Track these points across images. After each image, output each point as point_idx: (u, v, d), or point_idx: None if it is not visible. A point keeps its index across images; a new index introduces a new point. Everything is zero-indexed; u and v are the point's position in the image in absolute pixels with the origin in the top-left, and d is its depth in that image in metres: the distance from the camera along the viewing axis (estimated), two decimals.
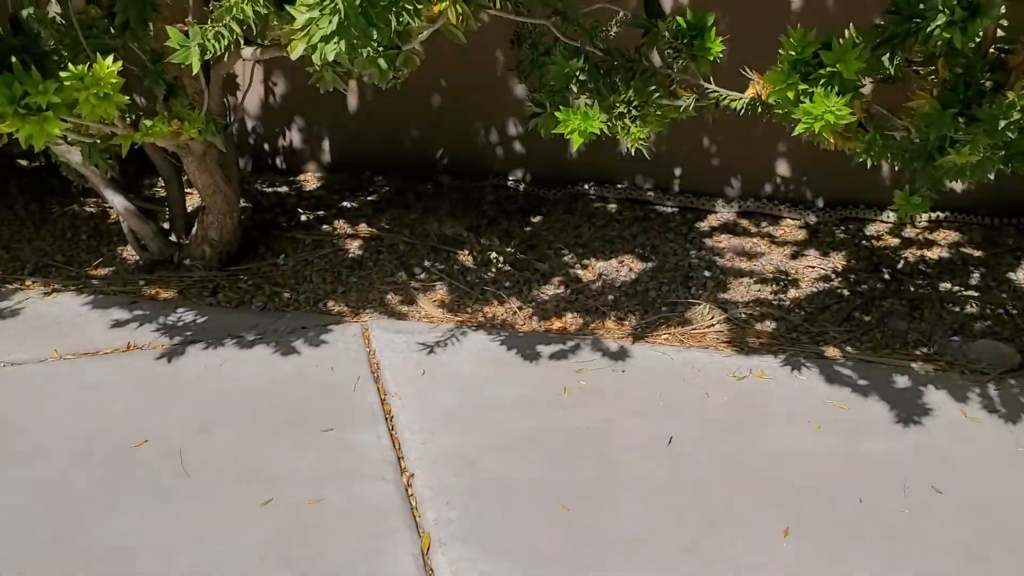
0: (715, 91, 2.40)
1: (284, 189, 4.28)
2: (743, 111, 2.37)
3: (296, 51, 1.90)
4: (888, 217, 4.17)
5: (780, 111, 2.13)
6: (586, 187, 4.23)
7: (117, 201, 3.45)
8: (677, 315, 3.41)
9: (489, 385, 2.95)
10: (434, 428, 2.74)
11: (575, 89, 2.26)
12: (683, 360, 3.11)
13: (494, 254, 3.65)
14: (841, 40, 1.88)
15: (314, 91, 4.39)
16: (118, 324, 3.24)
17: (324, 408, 2.82)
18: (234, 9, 1.77)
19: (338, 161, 4.41)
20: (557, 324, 3.35)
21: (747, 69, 2.35)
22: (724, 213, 4.18)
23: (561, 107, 2.16)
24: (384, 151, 4.35)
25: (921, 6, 1.88)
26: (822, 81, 1.90)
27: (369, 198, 4.19)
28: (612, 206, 4.19)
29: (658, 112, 2.32)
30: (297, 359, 3.06)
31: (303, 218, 3.98)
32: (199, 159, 3.13)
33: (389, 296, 3.47)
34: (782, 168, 4.19)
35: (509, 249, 3.69)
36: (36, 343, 3.10)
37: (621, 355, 3.13)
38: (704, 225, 4.09)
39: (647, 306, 3.47)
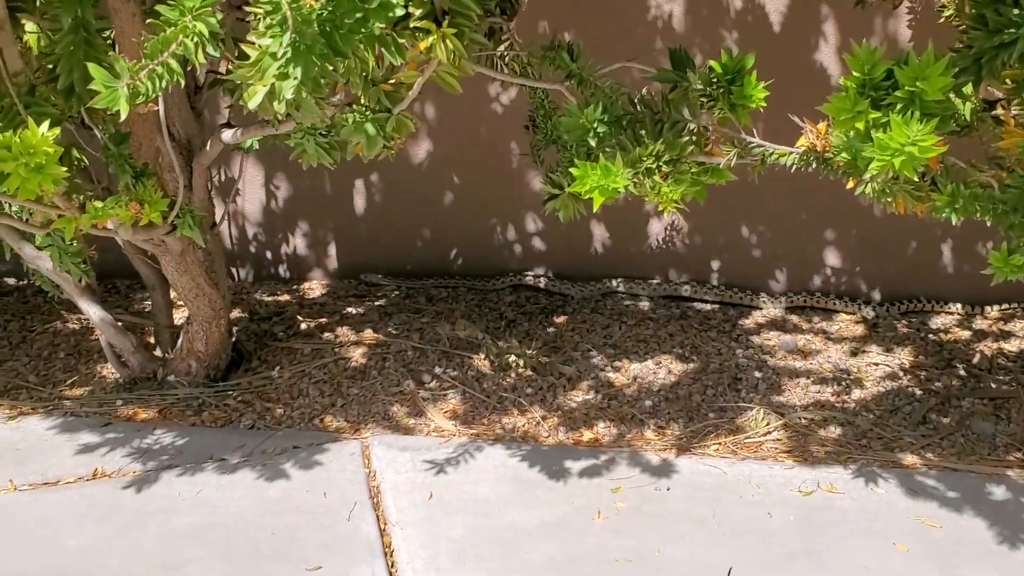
0: (759, 145, 2.02)
1: (285, 297, 3.94)
2: (795, 167, 1.98)
3: (254, 98, 1.56)
4: (955, 308, 3.73)
5: (843, 158, 1.74)
6: (614, 283, 3.83)
7: (93, 312, 3.11)
8: (727, 422, 2.96)
9: (508, 509, 2.49)
10: (441, 563, 2.27)
11: (593, 143, 1.90)
12: (737, 474, 2.63)
13: (513, 357, 3.24)
14: (919, 57, 1.50)
15: (319, 193, 4.18)
16: (86, 449, 2.84)
17: (313, 541, 2.37)
18: (172, 43, 1.44)
19: (346, 267, 4.08)
20: (588, 435, 2.90)
21: (797, 118, 1.98)
22: (771, 309, 3.75)
23: (577, 161, 1.78)
24: (394, 254, 4.01)
25: (1016, 12, 1.51)
26: (898, 107, 1.52)
27: (377, 303, 3.82)
28: (644, 303, 3.79)
29: (692, 170, 1.94)
30: (285, 483, 2.63)
31: (303, 326, 3.61)
32: (178, 258, 2.80)
33: (394, 408, 3.05)
34: (832, 258, 3.78)
35: (530, 352, 3.27)
36: None
37: (664, 470, 2.66)
38: (749, 322, 3.66)
39: (691, 412, 3.02)
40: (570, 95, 2.35)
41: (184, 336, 3.16)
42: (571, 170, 1.86)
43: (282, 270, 4.14)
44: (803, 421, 2.93)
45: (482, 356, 3.32)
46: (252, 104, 1.59)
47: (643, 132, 1.91)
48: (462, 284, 3.91)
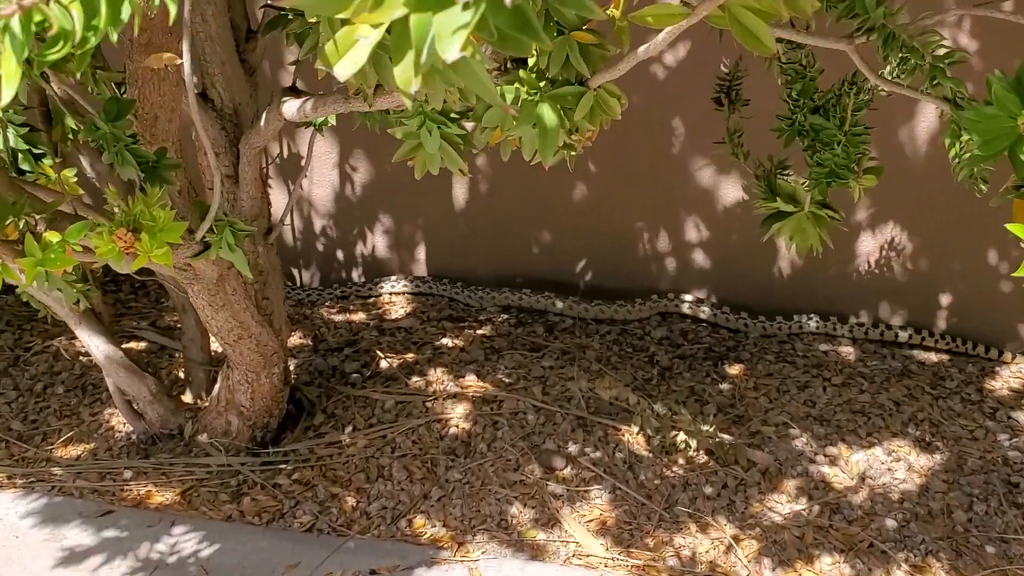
0: None
1: (359, 316, 3.00)
2: None
3: (348, 56, 0.59)
4: None
5: None
6: (805, 320, 2.81)
7: (95, 346, 2.21)
8: (1016, 560, 1.95)
9: None
10: None
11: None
12: None
13: (683, 436, 2.26)
14: None
15: (407, 179, 3.25)
16: (71, 557, 1.95)
17: None
18: None
19: (437, 274, 3.12)
20: (804, 571, 1.93)
21: None
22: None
23: None
24: (501, 261, 3.04)
25: None
26: None
27: (480, 331, 2.86)
28: (847, 348, 2.76)
29: None
30: None
31: (383, 364, 2.67)
32: (211, 288, 1.86)
33: (513, 509, 2.10)
34: None
35: (706, 427, 2.29)
36: None
37: None
38: (999, 384, 2.62)
39: (958, 543, 2.01)
40: (858, 59, 1.35)
41: (223, 383, 2.25)
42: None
43: (356, 274, 3.20)
44: None
45: (634, 429, 2.34)
46: (344, 71, 0.62)
47: None
48: (574, 314, 2.92)
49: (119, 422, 2.42)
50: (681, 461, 2.24)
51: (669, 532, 2.04)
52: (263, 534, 2.05)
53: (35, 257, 1.12)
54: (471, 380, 2.57)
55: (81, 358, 2.73)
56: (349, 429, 2.38)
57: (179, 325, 2.87)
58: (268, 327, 2.11)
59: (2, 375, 2.65)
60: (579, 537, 2.03)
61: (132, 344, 2.79)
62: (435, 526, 2.07)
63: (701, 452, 2.26)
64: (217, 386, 2.28)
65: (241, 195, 1.98)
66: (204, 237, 1.71)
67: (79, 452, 2.33)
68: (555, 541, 2.02)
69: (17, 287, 2.34)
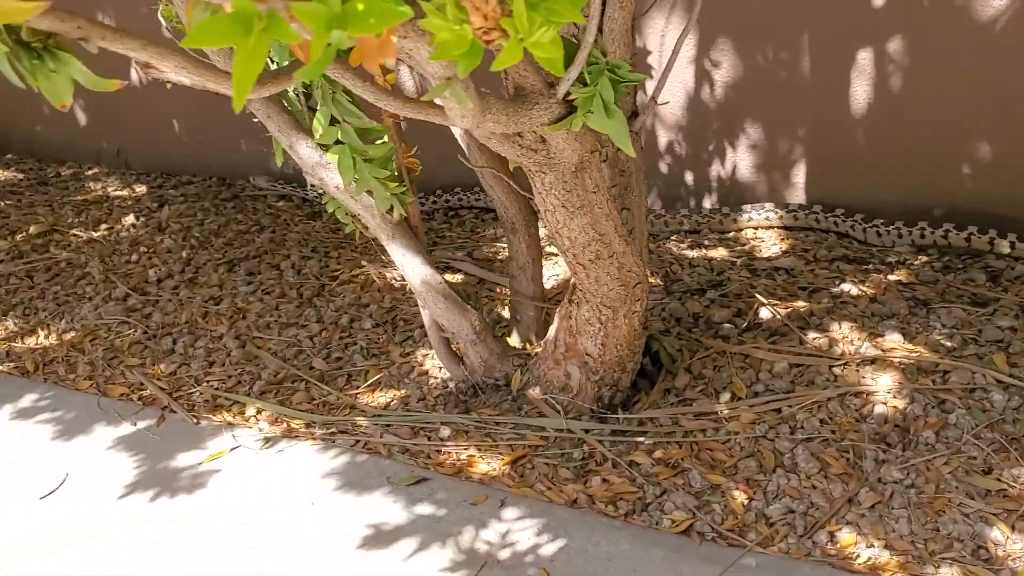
0: None
1: (720, 253, 2.35)
2: None
3: None
4: None
5: None
6: None
7: (411, 268, 1.73)
8: None
9: None
10: None
11: None
12: None
13: None
14: None
15: (791, 76, 2.31)
16: (376, 538, 1.49)
17: None
18: None
19: (825, 203, 2.39)
20: None
21: None
22: None
23: None
24: (916, 188, 2.26)
25: None
26: None
27: (892, 276, 2.10)
28: None
29: None
30: None
31: (762, 312, 2.00)
32: (566, 182, 1.29)
33: (995, 533, 1.37)
34: None
35: None
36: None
37: None
38: None
39: None
40: None
41: (562, 322, 1.69)
42: None
43: (708, 198, 2.55)
44: None
45: None
46: None
47: None
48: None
49: (434, 366, 1.95)
50: None
51: None
52: (622, 532, 1.47)
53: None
54: (894, 340, 1.83)
55: (392, 288, 2.31)
56: (726, 397, 1.75)
57: (501, 255, 2.38)
58: (631, 246, 1.51)
59: (306, 305, 2.28)
60: None
61: (447, 277, 2.34)
62: (872, 546, 1.39)
63: None
64: (554, 327, 1.73)
65: (613, 40, 1.39)
66: (568, 94, 1.13)
67: (387, 399, 1.88)
68: None
69: (319, 194, 1.92)
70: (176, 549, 1.51)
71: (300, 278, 2.43)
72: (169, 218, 2.86)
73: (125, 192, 3.19)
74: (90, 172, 3.46)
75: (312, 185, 2.04)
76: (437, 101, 1.01)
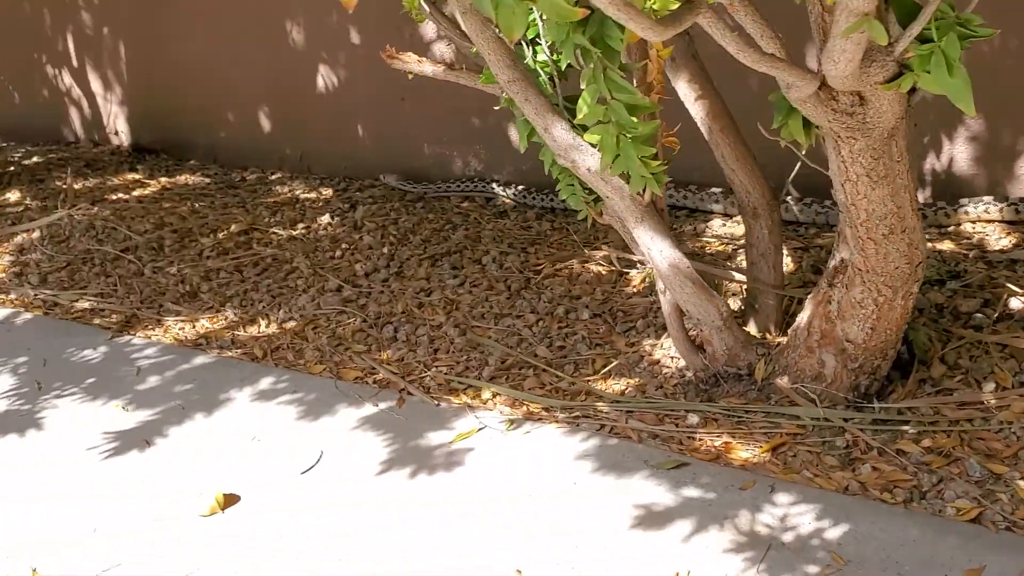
0: None
1: (947, 246, 2.26)
2: None
3: None
4: None
5: None
6: None
7: (658, 252, 1.72)
8: None
9: None
10: None
11: None
12: None
13: None
14: None
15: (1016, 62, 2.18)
16: (648, 518, 1.47)
17: None
18: None
19: None
20: None
21: None
22: None
23: None
24: None
25: None
26: None
27: None
28: None
29: None
30: None
31: (1012, 303, 1.91)
32: (875, 148, 1.26)
33: None
34: None
35: None
36: None
37: None
38: None
39: None
40: None
41: (816, 308, 1.64)
42: None
43: (922, 194, 2.46)
44: None
45: None
46: None
47: None
48: None
49: (665, 355, 1.93)
50: None
51: None
52: (906, 519, 1.41)
53: None
54: None
55: (600, 280, 2.30)
56: (990, 387, 1.67)
57: (708, 249, 2.35)
58: (916, 215, 1.46)
59: (516, 297, 2.29)
60: None
61: None
62: None
63: None
64: (806, 313, 1.68)
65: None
66: (904, 51, 1.10)
67: (621, 387, 1.87)
68: None
69: (555, 182, 1.93)
70: (461, 522, 1.53)
71: (504, 272, 2.45)
72: (364, 217, 2.93)
73: (313, 195, 3.28)
74: (274, 176, 3.58)
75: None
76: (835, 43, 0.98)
